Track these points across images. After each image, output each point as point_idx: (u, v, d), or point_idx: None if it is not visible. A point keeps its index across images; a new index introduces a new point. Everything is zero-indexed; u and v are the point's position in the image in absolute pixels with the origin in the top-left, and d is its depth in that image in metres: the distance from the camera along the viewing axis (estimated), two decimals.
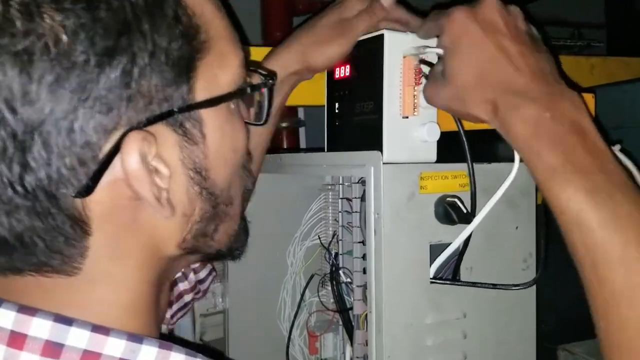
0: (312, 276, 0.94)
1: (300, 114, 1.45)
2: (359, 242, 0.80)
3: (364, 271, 0.79)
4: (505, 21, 0.54)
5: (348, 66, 0.65)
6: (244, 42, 0.51)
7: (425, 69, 0.61)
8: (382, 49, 0.61)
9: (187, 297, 0.79)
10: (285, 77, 0.72)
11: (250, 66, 0.50)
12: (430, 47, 0.60)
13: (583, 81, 1.24)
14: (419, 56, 0.60)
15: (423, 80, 0.61)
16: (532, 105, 0.50)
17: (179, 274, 0.78)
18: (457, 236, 0.59)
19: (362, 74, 0.64)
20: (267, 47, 1.11)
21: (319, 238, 0.91)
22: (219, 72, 0.43)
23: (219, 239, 0.48)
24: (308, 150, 0.77)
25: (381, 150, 0.60)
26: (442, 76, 0.56)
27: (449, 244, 0.59)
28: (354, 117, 0.64)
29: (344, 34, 0.67)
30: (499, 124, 0.53)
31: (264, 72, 0.51)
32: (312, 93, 1.00)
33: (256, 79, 0.50)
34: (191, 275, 0.79)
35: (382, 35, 0.61)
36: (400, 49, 0.61)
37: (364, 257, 0.80)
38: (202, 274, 0.81)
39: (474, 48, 0.54)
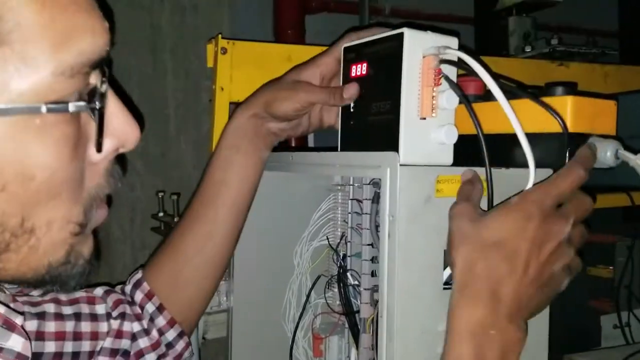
0: (318, 277, 0.92)
1: None
2: (368, 245, 0.79)
3: (372, 274, 0.78)
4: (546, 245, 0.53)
5: (365, 64, 0.64)
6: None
7: (445, 69, 0.59)
8: (402, 48, 0.59)
9: (149, 357, 0.75)
10: (247, 119, 0.76)
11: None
12: (451, 48, 0.59)
13: (597, 89, 1.22)
14: (440, 56, 0.59)
15: (443, 81, 0.59)
16: (490, 312, 0.51)
17: (138, 328, 0.74)
18: None
19: (379, 72, 0.62)
20: (279, 43, 1.11)
21: (327, 239, 0.90)
22: (13, 76, 0.36)
23: (7, 268, 0.43)
24: (319, 149, 0.76)
25: (397, 152, 0.58)
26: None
27: None
28: (369, 116, 0.63)
29: (298, 94, 0.71)
30: (454, 288, 0.54)
31: (96, 92, 0.42)
32: None
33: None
34: (154, 332, 0.75)
35: (401, 34, 0.59)
36: (420, 48, 0.59)
37: (372, 259, 0.79)
38: (170, 336, 0.76)
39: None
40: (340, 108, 0.67)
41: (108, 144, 0.45)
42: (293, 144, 1.45)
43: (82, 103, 0.40)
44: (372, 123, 0.62)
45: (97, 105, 0.41)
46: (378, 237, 0.77)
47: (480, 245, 0.52)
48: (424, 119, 0.60)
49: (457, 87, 0.58)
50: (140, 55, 1.32)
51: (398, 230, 0.54)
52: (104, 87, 0.42)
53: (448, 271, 0.57)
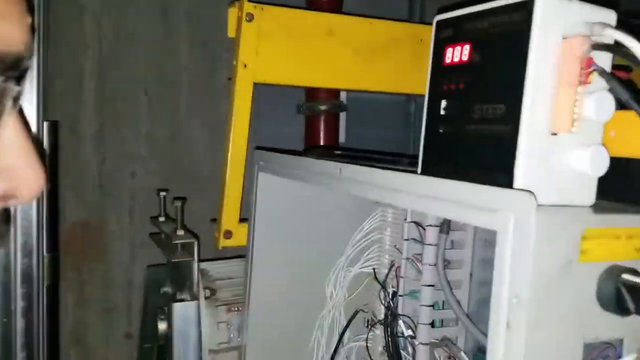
0: (356, 313, 0.74)
1: (342, 96, 1.24)
2: (430, 286, 0.60)
3: (432, 324, 0.60)
4: None
5: (467, 47, 0.43)
6: None
7: (601, 58, 0.38)
8: (530, 22, 0.38)
9: None
10: None
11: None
12: (611, 25, 0.38)
13: None
14: (591, 38, 0.38)
15: (595, 78, 0.38)
16: None
17: None
18: (627, 332, 0.37)
19: (490, 59, 0.42)
20: (311, 10, 0.90)
21: (374, 271, 0.70)
22: None
23: None
24: (372, 154, 0.58)
25: (511, 182, 0.38)
26: None
27: (610, 344, 0.38)
28: (470, 124, 0.42)
29: None
30: None
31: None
32: (355, 75, 0.79)
33: None
34: None
35: (531, 1, 0.38)
36: (559, 25, 0.39)
37: (434, 305, 0.60)
38: None
39: None
40: (425, 110, 0.46)
41: None
42: (322, 131, 1.24)
43: None
44: (474, 134, 0.42)
45: None
46: (447, 278, 0.58)
47: None
48: (555, 135, 0.39)
49: (623, 87, 0.37)
50: (148, 18, 1.11)
51: (525, 318, 0.33)
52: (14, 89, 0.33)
53: None
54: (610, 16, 0.40)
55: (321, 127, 1.21)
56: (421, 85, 0.89)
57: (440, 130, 0.45)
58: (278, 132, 1.23)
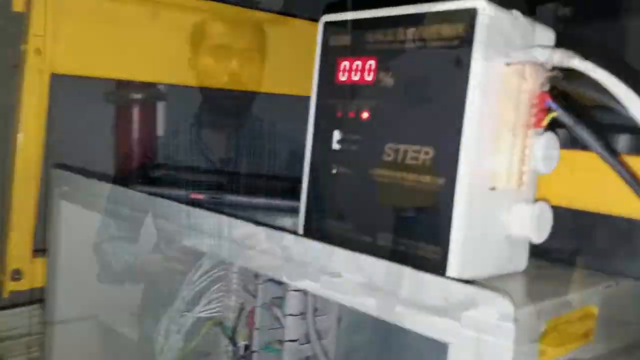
0: None
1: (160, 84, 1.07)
2: (293, 341, 0.49)
3: None
4: None
5: (372, 62, 0.31)
6: None
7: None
8: (471, 38, 0.28)
9: None
10: None
11: None
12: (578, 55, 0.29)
13: None
14: (545, 66, 0.29)
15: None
16: None
17: None
18: None
19: (408, 83, 0.30)
20: None
21: (221, 324, 0.56)
22: None
23: None
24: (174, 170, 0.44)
25: (444, 254, 0.28)
26: None
27: None
28: (379, 168, 0.31)
29: None
30: None
31: None
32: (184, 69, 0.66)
33: None
34: None
35: (474, 10, 0.28)
36: (504, 46, 0.29)
37: None
38: None
39: None
40: (308, 140, 0.34)
41: None
42: (136, 123, 1.05)
43: None
44: (387, 183, 0.31)
45: None
46: (317, 330, 0.48)
47: None
48: (493, 189, 0.30)
49: (593, 135, 0.29)
50: None
51: None
52: None
53: None
54: (550, 36, 0.32)
55: (134, 119, 1.03)
56: (267, 83, 0.77)
57: (334, 171, 0.33)
58: (80, 124, 1.01)
